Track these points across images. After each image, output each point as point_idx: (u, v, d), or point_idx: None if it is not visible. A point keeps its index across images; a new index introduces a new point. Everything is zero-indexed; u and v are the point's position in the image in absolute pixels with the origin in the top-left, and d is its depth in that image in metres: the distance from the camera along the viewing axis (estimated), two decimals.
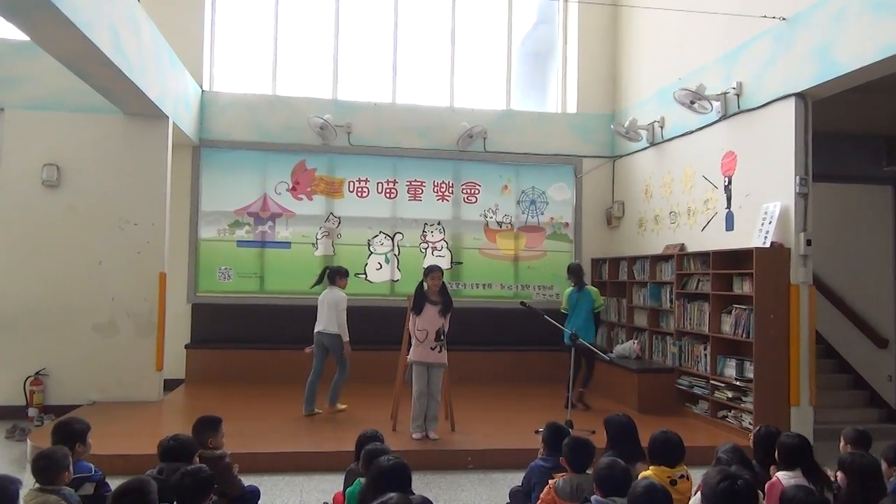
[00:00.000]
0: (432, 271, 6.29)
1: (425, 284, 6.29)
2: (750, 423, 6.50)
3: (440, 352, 6.24)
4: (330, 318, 7.24)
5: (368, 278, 9.91)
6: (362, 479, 3.56)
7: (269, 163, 9.78)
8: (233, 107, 9.67)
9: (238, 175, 9.68)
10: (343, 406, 7.41)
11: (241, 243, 9.68)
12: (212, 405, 7.40)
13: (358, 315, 9.60)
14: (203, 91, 9.60)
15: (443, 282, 6.30)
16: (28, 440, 6.15)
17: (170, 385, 8.59)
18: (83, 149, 7.86)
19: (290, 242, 9.76)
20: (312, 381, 7.27)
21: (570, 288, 8.03)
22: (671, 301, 8.08)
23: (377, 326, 9.48)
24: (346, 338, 7.23)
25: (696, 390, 7.44)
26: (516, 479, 4.55)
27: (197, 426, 4.14)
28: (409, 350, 6.38)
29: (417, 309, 6.23)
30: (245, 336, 9.40)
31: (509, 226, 10.28)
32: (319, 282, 7.60)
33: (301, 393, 7.38)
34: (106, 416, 6.90)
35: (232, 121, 9.66)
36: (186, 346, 9.19)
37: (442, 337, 6.22)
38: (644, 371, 7.86)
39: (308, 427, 6.75)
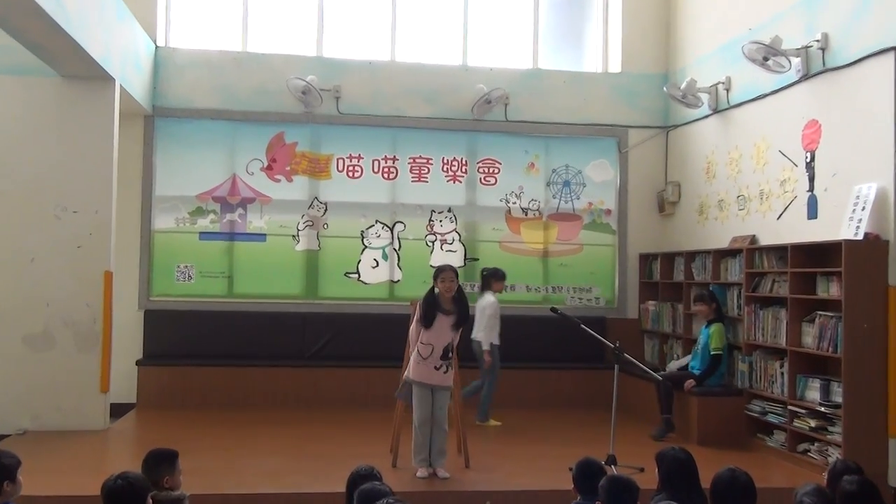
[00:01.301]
0: (443, 272, 6.25)
1: (436, 289, 6.25)
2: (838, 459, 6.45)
3: (446, 372, 6.22)
4: (479, 324, 8.31)
5: (361, 279, 9.93)
6: None
7: (238, 136, 9.79)
8: (194, 67, 9.67)
9: (201, 151, 9.70)
10: (496, 422, 8.28)
11: (204, 235, 9.70)
12: (169, 435, 7.41)
13: (349, 325, 9.68)
14: (157, 48, 9.62)
15: (459, 286, 6.28)
16: None
17: (118, 410, 8.60)
18: (9, 119, 7.88)
19: (265, 234, 9.78)
20: (488, 390, 8.33)
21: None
22: (739, 307, 8.04)
23: (372, 339, 9.49)
24: (485, 346, 8.15)
25: (771, 418, 7.41)
26: None
27: (149, 461, 4.15)
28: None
29: (428, 320, 6.19)
30: (210, 350, 9.42)
31: (537, 213, 10.27)
32: (483, 287, 8.63)
33: (281, 419, 7.38)
34: (40, 448, 6.92)
35: (193, 84, 9.66)
36: (138, 363, 9.22)
37: (450, 355, 6.21)
38: (706, 394, 7.82)
39: (289, 462, 6.76)
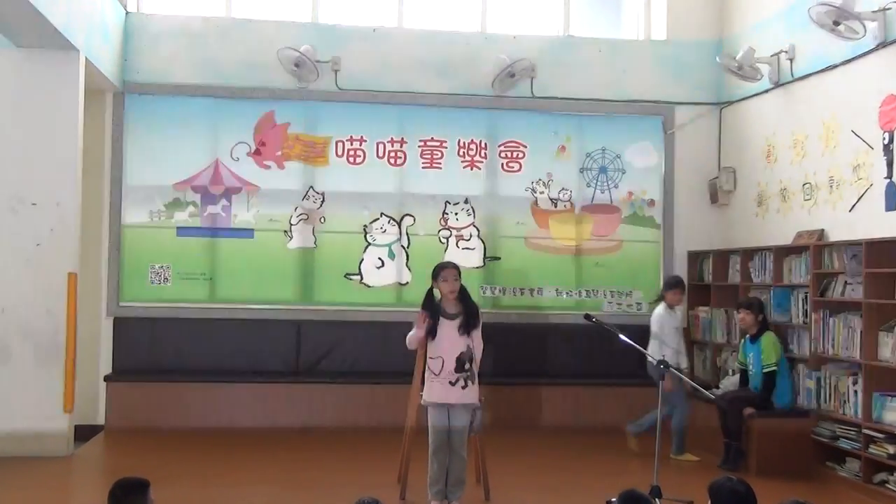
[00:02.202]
0: (445, 269, 6.26)
1: (437, 291, 6.25)
2: None
3: (465, 387, 6.20)
4: (652, 341, 8.41)
5: (364, 281, 9.92)
6: None
7: (222, 115, 9.80)
8: (170, 36, 9.69)
9: (178, 133, 9.71)
10: (694, 457, 8.19)
11: (182, 231, 9.72)
12: (141, 462, 7.38)
13: (349, 334, 9.68)
14: (128, 14, 9.64)
15: (462, 284, 6.27)
16: None
17: (83, 433, 8.64)
18: None
19: (252, 230, 9.79)
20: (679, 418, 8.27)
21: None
22: (805, 313, 8.01)
23: (377, 350, 9.49)
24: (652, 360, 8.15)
25: (843, 443, 7.37)
26: None
27: (117, 493, 4.14)
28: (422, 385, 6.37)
29: (432, 331, 6.18)
30: (189, 364, 9.44)
31: (568, 205, 10.24)
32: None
33: (271, 443, 7.39)
34: None
35: (169, 56, 9.68)
36: (106, 379, 9.26)
37: (468, 366, 6.18)
38: (766, 416, 7.78)
39: (280, 494, 6.76)
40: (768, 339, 7.94)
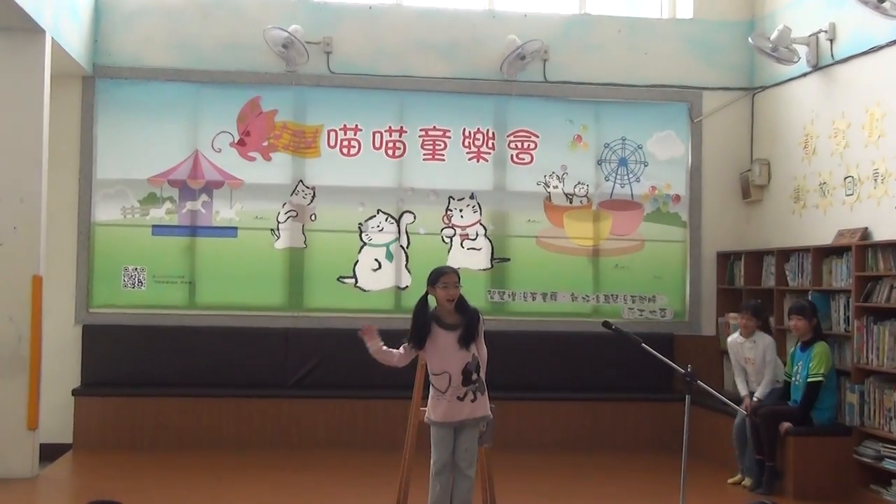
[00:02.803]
0: (445, 274, 6.22)
1: (433, 298, 6.24)
2: None
3: (475, 399, 6.19)
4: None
5: (359, 285, 9.93)
6: None
7: (202, 102, 9.81)
8: (145, 15, 9.68)
9: (154, 122, 9.72)
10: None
11: (159, 230, 9.72)
12: (113, 484, 7.41)
13: (342, 344, 9.56)
14: None
15: (461, 294, 6.24)
16: None
17: (49, 452, 8.64)
18: None
19: (236, 228, 9.80)
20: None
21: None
22: (846, 321, 8.00)
23: (372, 362, 9.36)
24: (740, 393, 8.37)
25: (888, 464, 7.36)
26: None
27: None
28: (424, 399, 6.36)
29: (419, 340, 6.15)
30: (166, 376, 9.43)
31: (585, 200, 10.24)
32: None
33: (255, 463, 7.39)
34: None
35: (144, 37, 9.67)
36: (75, 393, 9.24)
37: (475, 376, 6.17)
38: (803, 434, 7.78)
39: None
40: (821, 348, 7.90)
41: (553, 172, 10.19)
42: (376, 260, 9.97)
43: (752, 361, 8.32)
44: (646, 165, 10.30)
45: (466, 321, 6.17)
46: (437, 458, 6.19)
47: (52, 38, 8.13)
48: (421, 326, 6.13)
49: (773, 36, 9.12)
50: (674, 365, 7.14)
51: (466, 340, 6.13)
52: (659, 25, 10.39)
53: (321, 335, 9.67)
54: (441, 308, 6.17)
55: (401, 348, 6.29)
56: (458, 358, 6.13)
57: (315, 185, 9.90)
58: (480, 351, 6.24)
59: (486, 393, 6.24)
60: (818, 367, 7.84)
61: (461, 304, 6.20)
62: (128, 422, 9.16)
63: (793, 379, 8.09)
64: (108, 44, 9.62)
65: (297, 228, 9.87)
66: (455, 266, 6.39)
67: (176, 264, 9.74)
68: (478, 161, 10.13)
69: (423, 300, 6.24)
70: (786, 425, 7.74)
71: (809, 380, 7.84)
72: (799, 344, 8.09)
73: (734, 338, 8.51)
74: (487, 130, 10.14)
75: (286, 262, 9.84)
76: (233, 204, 9.80)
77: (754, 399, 8.23)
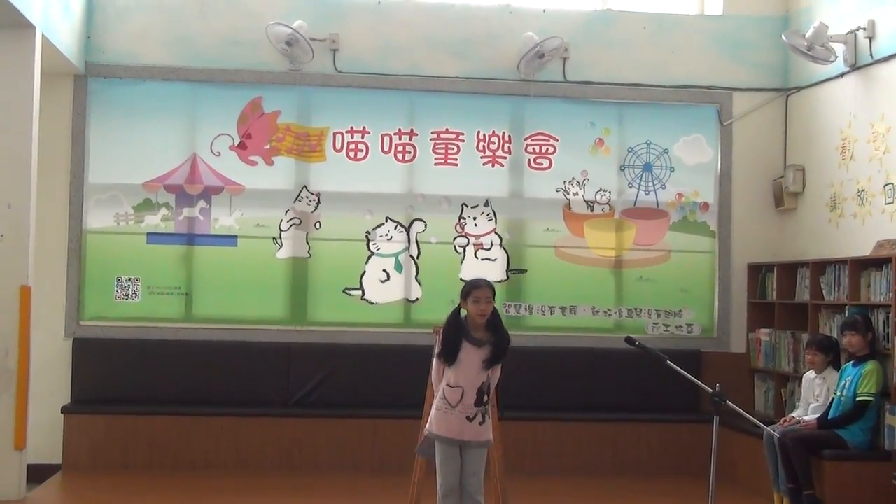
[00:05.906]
0: (478, 288, 6.19)
1: (464, 311, 6.21)
2: None
3: (482, 423, 6.17)
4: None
5: (366, 297, 9.90)
6: None
7: (201, 103, 9.81)
8: (140, 10, 9.66)
9: (149, 124, 9.70)
10: None
11: (154, 238, 9.71)
12: None
13: (348, 360, 9.70)
14: None
15: (495, 307, 6.22)
16: None
17: (37, 474, 8.64)
18: None
19: (236, 236, 9.78)
20: None
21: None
22: (887, 337, 7.92)
23: (380, 379, 9.54)
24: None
25: None
26: None
27: None
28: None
29: (450, 355, 6.14)
30: (160, 393, 9.42)
31: (607, 208, 10.20)
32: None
33: (255, 485, 7.34)
34: None
35: (139, 33, 9.66)
36: (65, 410, 9.24)
37: (486, 399, 6.14)
38: (841, 458, 7.71)
39: None
40: (874, 366, 7.84)
41: (573, 178, 10.16)
42: (385, 271, 9.95)
43: (818, 398, 8.30)
44: (672, 171, 10.27)
45: (496, 341, 6.16)
46: (442, 482, 6.20)
47: (43, 34, 8.12)
48: (453, 341, 6.12)
49: (809, 33, 9.07)
50: (701, 384, 7.08)
51: (491, 363, 6.12)
52: (686, 22, 10.35)
53: (326, 350, 9.66)
54: (471, 321, 6.17)
55: (432, 371, 6.31)
56: (477, 376, 6.14)
57: (320, 192, 9.88)
58: (494, 372, 6.22)
59: (491, 418, 6.25)
60: (870, 385, 7.78)
61: (493, 321, 6.19)
62: (120, 442, 9.15)
63: (838, 393, 8.02)
64: (101, 40, 9.62)
65: (300, 237, 9.85)
66: (474, 280, 6.31)
67: (172, 275, 9.72)
68: (493, 166, 10.10)
69: (456, 313, 6.23)
70: (810, 423, 7.88)
71: (859, 398, 7.77)
72: (852, 360, 8.03)
73: (808, 375, 8.47)
74: (503, 133, 10.11)
75: (289, 272, 9.81)
76: (232, 211, 9.78)
77: (791, 416, 8.23)
